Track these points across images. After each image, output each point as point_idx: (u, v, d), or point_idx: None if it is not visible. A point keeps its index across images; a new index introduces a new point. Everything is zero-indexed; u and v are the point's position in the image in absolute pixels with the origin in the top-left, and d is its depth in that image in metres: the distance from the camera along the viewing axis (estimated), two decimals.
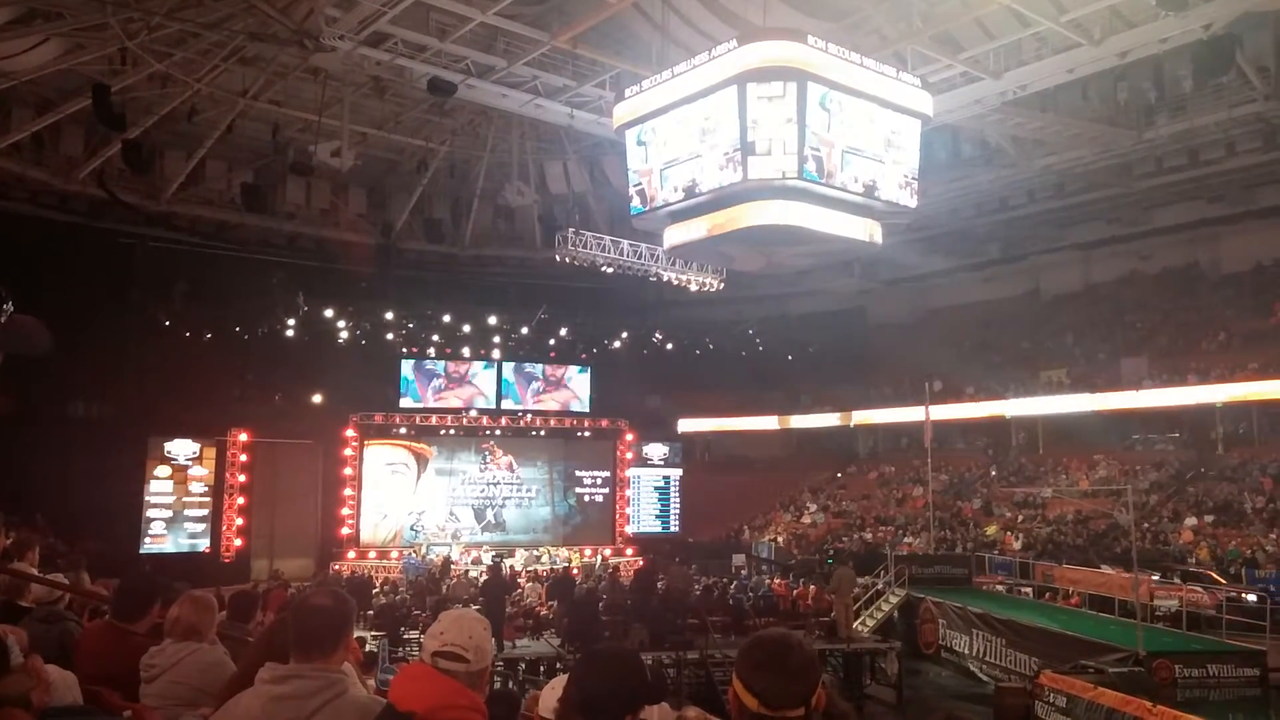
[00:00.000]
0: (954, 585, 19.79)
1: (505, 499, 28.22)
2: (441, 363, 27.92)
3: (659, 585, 20.04)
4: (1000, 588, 20.55)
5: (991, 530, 24.21)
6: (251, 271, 24.96)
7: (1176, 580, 17.88)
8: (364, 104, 21.47)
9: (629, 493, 29.38)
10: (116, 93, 18.72)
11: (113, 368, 21.72)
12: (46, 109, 20.69)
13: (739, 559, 26.75)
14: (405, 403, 27.43)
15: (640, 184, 13.01)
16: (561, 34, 15.59)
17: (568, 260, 24.11)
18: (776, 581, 22.14)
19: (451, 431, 27.87)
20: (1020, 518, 24.43)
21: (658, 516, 29.89)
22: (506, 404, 28.33)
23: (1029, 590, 20.02)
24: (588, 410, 29.18)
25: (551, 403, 28.92)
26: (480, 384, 28.21)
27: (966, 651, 17.19)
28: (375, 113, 22.57)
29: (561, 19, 15.84)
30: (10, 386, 20.11)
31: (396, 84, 18.19)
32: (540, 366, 28.80)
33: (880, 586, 19.86)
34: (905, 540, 24.79)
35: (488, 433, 28.21)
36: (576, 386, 29.07)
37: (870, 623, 18.69)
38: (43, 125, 20.95)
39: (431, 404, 27.68)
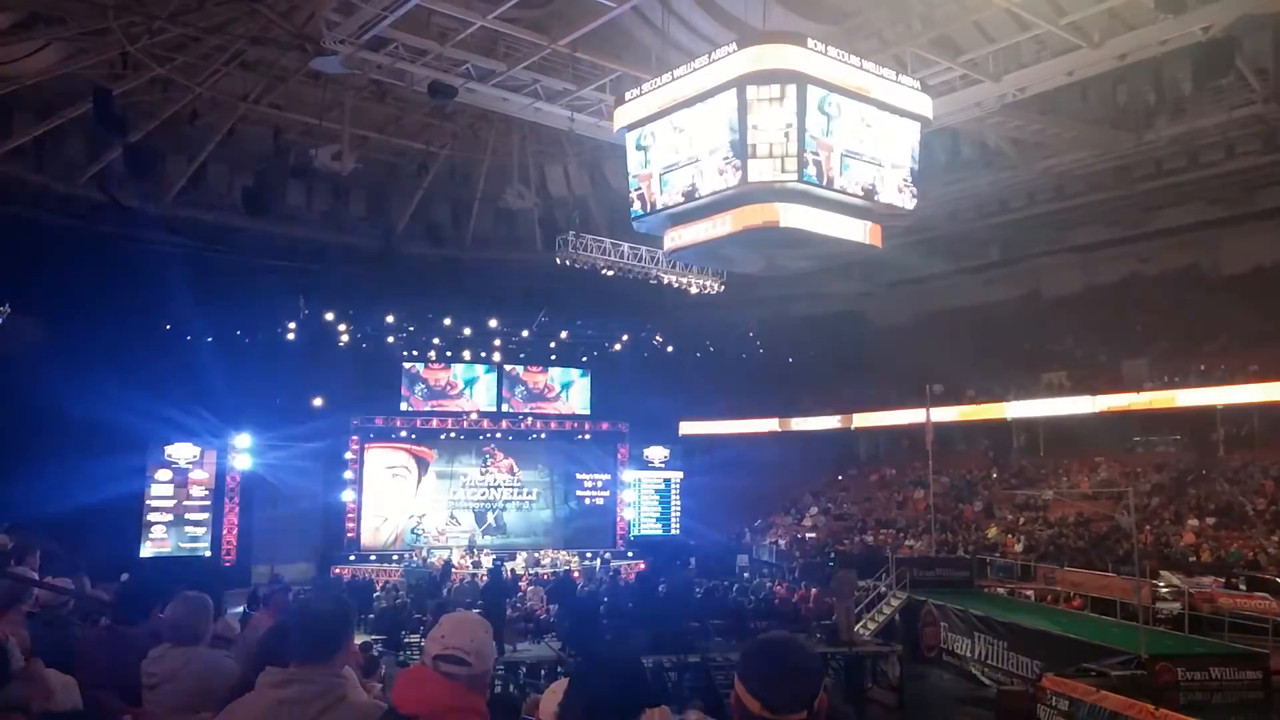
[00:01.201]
0: (956, 588, 19.80)
1: (506, 502, 28.29)
2: (425, 377, 28.00)
3: (660, 588, 20.08)
4: (1002, 590, 20.54)
5: (992, 533, 24.20)
6: (253, 275, 24.98)
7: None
8: (365, 107, 21.49)
9: (629, 495, 29.42)
10: (118, 97, 18.71)
11: (114, 371, 21.71)
12: (48, 113, 20.71)
13: (741, 559, 26.77)
14: (405, 406, 27.49)
15: (640, 188, 13.05)
16: (562, 38, 15.61)
17: (568, 263, 24.14)
18: (778, 584, 22.16)
19: (452, 435, 27.92)
20: (1022, 520, 24.41)
21: (658, 519, 29.94)
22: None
23: (1030, 593, 20.00)
24: (588, 413, 29.23)
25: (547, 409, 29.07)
26: (471, 393, 28.28)
27: (968, 654, 17.21)
28: (376, 116, 22.60)
29: (562, 23, 15.85)
30: (11, 390, 20.12)
31: (397, 88, 18.19)
32: (524, 377, 28.88)
33: (882, 589, 19.87)
34: (907, 543, 24.77)
35: (488, 436, 28.27)
36: (569, 395, 29.13)
37: (872, 626, 18.69)
38: (45, 130, 20.98)
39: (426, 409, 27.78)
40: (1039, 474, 26.77)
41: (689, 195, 12.26)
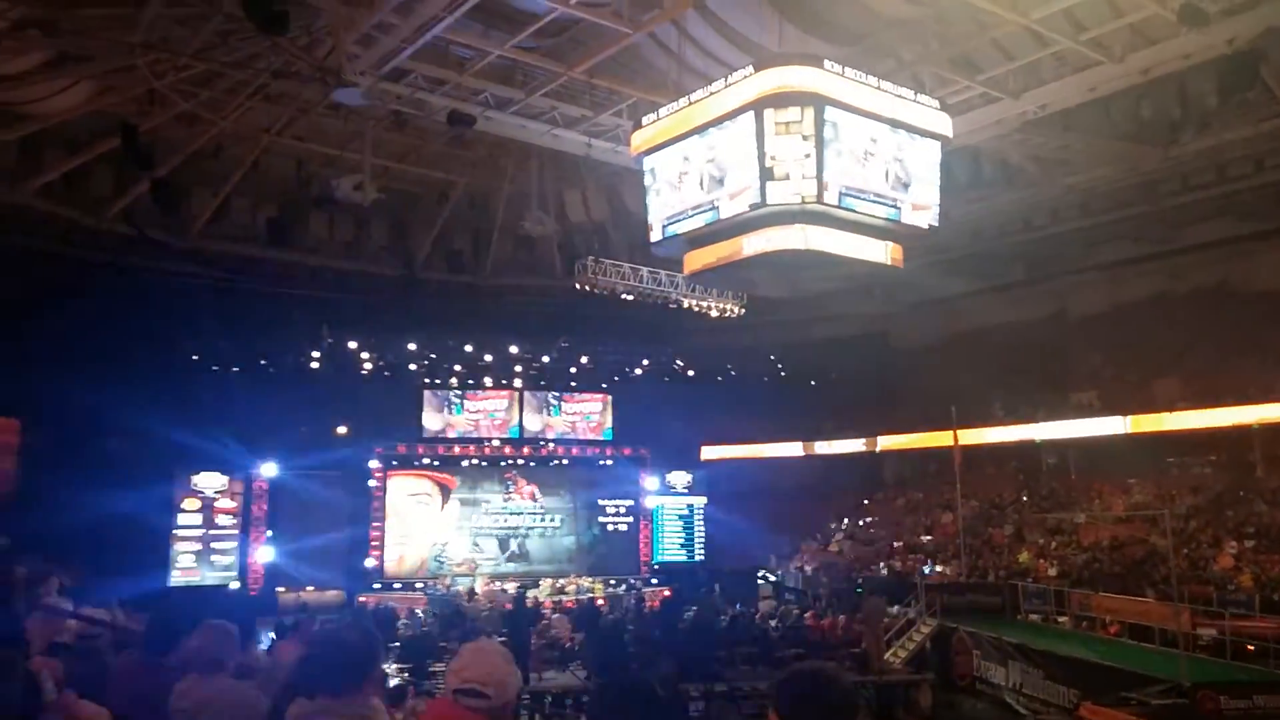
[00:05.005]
0: (988, 614, 19.44)
1: (529, 529, 28.20)
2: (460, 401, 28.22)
3: (685, 616, 19.86)
4: (1035, 617, 20.14)
5: (1024, 557, 23.74)
6: (276, 305, 25.23)
7: None
8: (385, 138, 21.69)
9: (653, 521, 29.23)
10: (144, 132, 19.02)
11: (142, 403, 21.97)
12: (76, 149, 21.09)
13: (766, 588, 26.44)
14: (432, 432, 27.58)
15: (658, 212, 13.03)
16: (578, 65, 15.68)
17: (588, 288, 24.16)
18: (805, 612, 21.84)
19: (474, 461, 27.94)
20: (1054, 544, 23.94)
21: (682, 545, 29.70)
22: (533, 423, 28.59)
23: (1066, 619, 19.59)
24: (610, 439, 29.15)
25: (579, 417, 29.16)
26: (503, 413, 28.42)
27: (1003, 683, 16.84)
28: (396, 146, 22.80)
29: (578, 50, 15.94)
30: (43, 423, 20.37)
31: (417, 118, 18.36)
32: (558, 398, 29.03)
33: (912, 616, 19.53)
34: (936, 568, 24.36)
35: (510, 462, 28.25)
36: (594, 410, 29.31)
37: (902, 654, 18.36)
38: (73, 165, 21.34)
39: (454, 434, 27.85)
40: (1070, 496, 26.29)
41: (708, 220, 12.22)
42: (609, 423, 29.57)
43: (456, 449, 27.82)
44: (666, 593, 26.12)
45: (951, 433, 23.95)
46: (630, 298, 24.71)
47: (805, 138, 11.36)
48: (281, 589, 24.86)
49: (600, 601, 24.07)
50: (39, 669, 3.23)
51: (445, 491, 27.70)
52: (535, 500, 28.38)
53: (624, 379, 30.29)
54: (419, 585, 25.93)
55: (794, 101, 11.40)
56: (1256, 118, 19.46)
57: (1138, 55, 14.88)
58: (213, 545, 24.94)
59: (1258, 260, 26.56)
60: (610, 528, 29.08)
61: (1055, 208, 24.96)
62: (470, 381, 28.65)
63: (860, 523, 30.56)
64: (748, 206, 11.63)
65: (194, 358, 25.63)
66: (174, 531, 24.60)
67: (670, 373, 31.28)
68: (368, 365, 27.37)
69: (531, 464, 28.58)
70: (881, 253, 12.67)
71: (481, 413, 28.33)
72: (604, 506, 29.12)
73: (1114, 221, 25.17)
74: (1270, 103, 18.97)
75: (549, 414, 28.98)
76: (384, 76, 15.58)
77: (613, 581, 27.21)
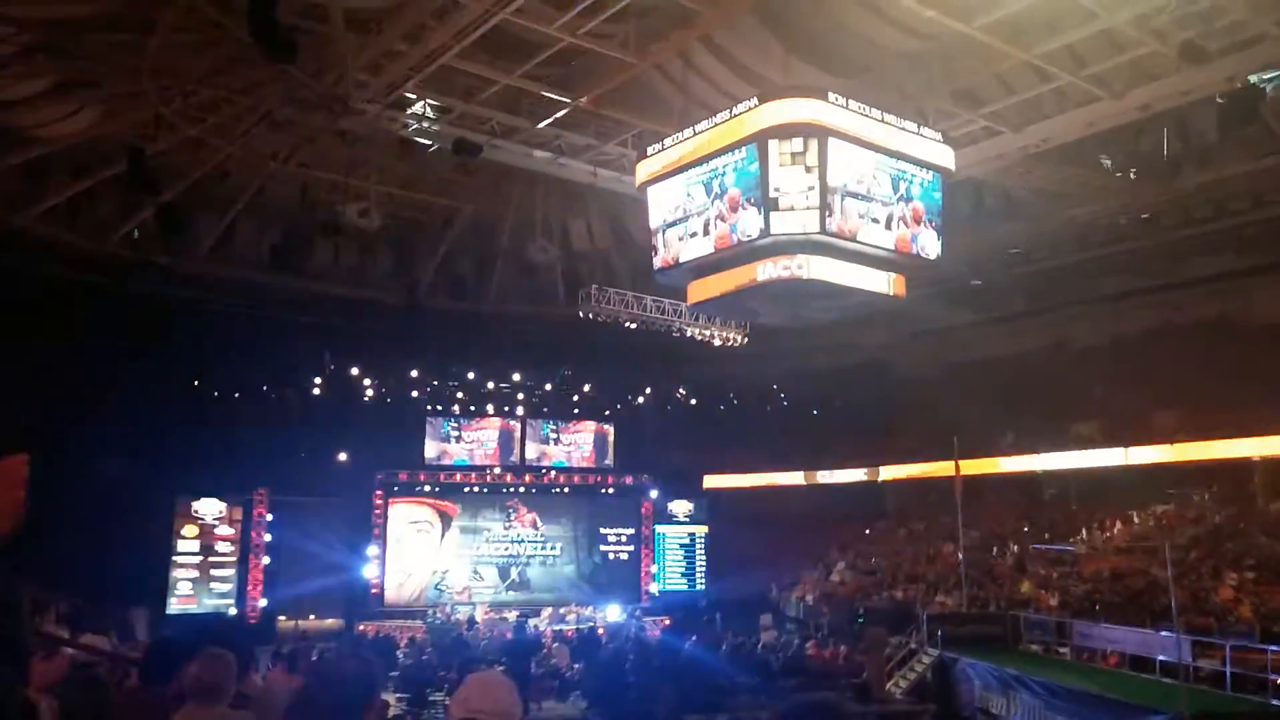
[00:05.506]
0: (989, 645, 19.32)
1: (530, 557, 28.06)
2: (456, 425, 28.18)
3: (686, 645, 19.73)
4: (1036, 647, 20.02)
5: (1025, 588, 23.62)
6: (279, 331, 25.24)
7: None
8: (390, 165, 21.83)
9: (654, 550, 29.10)
10: (150, 157, 19.15)
11: (142, 428, 21.92)
12: (82, 174, 21.17)
13: (766, 618, 26.25)
14: (429, 460, 27.50)
15: (660, 243, 13.13)
16: (584, 95, 15.85)
17: (591, 316, 24.20)
18: (806, 641, 21.71)
19: (475, 489, 27.86)
20: (1055, 575, 23.82)
21: (683, 574, 29.54)
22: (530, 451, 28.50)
23: (1066, 649, 19.47)
24: (611, 467, 29.10)
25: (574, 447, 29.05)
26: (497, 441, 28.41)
27: (1004, 714, 16.71)
28: (401, 173, 22.93)
29: (584, 80, 16.10)
30: (41, 447, 20.27)
31: (423, 145, 18.50)
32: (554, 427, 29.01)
33: (913, 646, 19.41)
34: (937, 599, 24.21)
35: (511, 490, 28.17)
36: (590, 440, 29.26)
37: (903, 684, 18.23)
38: (78, 190, 21.42)
39: (450, 461, 27.80)
40: (1071, 527, 26.18)
41: (710, 249, 12.30)
42: (610, 451, 29.53)
43: (458, 476, 27.75)
44: (667, 622, 25.95)
45: (953, 463, 23.89)
46: (633, 326, 24.77)
47: (809, 169, 11.48)
48: (281, 616, 24.67)
49: (600, 630, 23.91)
50: (38, 699, 3.18)
51: (446, 519, 27.59)
52: (536, 528, 28.27)
53: (626, 407, 30.29)
54: (418, 613, 25.75)
55: (798, 133, 11.55)
56: (1256, 154, 19.57)
57: (1137, 91, 15.04)
58: (211, 572, 24.79)
59: (1257, 294, 26.63)
60: (611, 556, 28.94)
61: (1056, 240, 25.06)
62: (472, 409, 28.63)
63: (862, 552, 30.38)
64: (751, 236, 11.73)
65: (195, 383, 25.61)
66: (173, 558, 24.45)
67: (673, 401, 31.28)
68: (370, 392, 27.36)
69: (533, 491, 28.49)
70: (884, 283, 12.76)
71: (476, 443, 28.30)
72: (605, 535, 29.01)
73: (1115, 254, 25.27)
74: (1270, 139, 19.08)
75: (549, 443, 28.95)
76: (391, 104, 15.74)
77: (613, 610, 27.01)
